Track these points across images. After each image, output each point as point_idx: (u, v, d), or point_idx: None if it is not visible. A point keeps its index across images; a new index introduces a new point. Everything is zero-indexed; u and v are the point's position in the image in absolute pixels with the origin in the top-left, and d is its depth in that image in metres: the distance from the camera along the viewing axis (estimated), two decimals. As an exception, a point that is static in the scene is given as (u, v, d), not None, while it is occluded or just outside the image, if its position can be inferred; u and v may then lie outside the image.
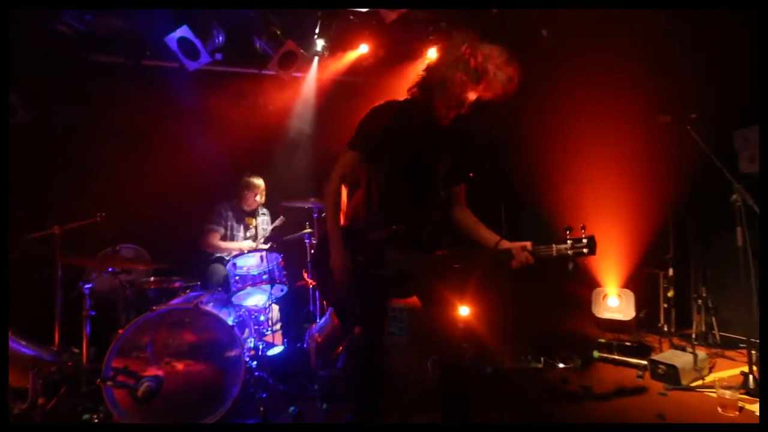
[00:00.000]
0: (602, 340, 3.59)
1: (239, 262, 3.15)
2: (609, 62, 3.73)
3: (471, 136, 1.95)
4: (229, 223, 3.64)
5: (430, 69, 1.78)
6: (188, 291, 3.10)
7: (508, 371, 3.31)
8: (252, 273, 3.12)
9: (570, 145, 3.95)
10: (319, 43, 4.03)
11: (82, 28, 3.59)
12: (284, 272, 3.26)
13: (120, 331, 2.49)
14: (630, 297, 3.66)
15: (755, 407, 2.57)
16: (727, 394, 2.54)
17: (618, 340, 3.52)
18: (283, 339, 3.41)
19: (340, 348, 3.17)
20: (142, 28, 3.78)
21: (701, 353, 3.15)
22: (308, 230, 3.58)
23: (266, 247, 3.42)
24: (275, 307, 3.44)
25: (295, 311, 3.74)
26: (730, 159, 3.52)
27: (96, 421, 2.40)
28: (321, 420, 2.58)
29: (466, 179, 1.97)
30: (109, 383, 2.18)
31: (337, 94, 4.58)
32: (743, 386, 2.70)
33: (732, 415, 2.50)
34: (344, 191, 1.95)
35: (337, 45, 4.18)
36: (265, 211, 3.90)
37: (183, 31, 3.50)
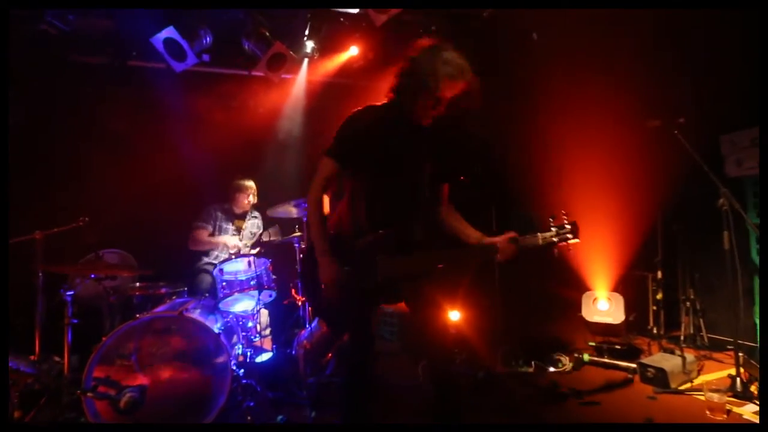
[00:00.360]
0: (592, 344, 3.61)
1: (226, 267, 3.09)
2: (599, 66, 3.75)
3: (452, 135, 1.95)
4: (218, 223, 3.61)
5: (405, 73, 1.79)
6: (174, 297, 3.04)
7: (500, 375, 3.30)
8: (240, 278, 3.07)
9: (560, 148, 3.96)
10: (309, 45, 4.00)
11: (65, 29, 3.52)
12: (273, 277, 3.21)
13: (103, 339, 2.43)
14: (619, 300, 3.68)
15: (742, 410, 2.59)
16: (715, 397, 2.55)
17: (608, 343, 3.53)
18: (273, 344, 3.36)
19: (330, 355, 3.13)
20: (128, 29, 3.71)
21: (690, 356, 3.17)
22: (297, 234, 3.54)
23: (254, 252, 3.37)
24: (265, 312, 3.39)
25: (285, 316, 3.70)
26: (718, 163, 3.55)
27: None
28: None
29: (450, 179, 1.96)
30: (89, 394, 2.12)
31: (327, 96, 4.55)
32: (731, 389, 2.73)
33: (720, 418, 2.52)
34: (326, 200, 1.92)
35: (327, 47, 4.15)
36: (256, 213, 3.85)
37: (169, 32, 3.45)
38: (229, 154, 4.08)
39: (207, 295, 3.22)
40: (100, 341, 2.42)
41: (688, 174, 3.22)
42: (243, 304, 3.20)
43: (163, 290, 3.05)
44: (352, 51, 4.21)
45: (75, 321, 2.65)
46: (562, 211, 1.78)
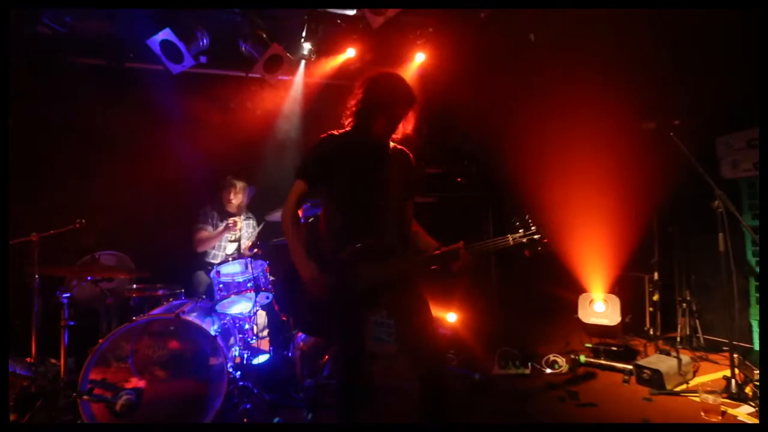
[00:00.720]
0: (589, 345, 3.61)
1: (223, 270, 3.10)
2: (596, 68, 3.75)
3: (407, 155, 2.12)
4: (214, 222, 3.62)
5: (361, 100, 1.97)
6: (171, 299, 3.04)
7: (496, 377, 3.31)
8: (237, 280, 3.07)
9: (556, 149, 3.97)
10: (306, 47, 4.00)
11: (63, 30, 3.51)
12: (270, 279, 3.22)
13: (99, 341, 2.43)
14: (616, 302, 3.68)
15: (737, 411, 2.60)
16: (710, 399, 2.56)
17: (604, 345, 3.54)
18: (270, 346, 3.36)
19: (326, 357, 3.14)
20: (125, 31, 3.71)
21: (685, 357, 3.18)
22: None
23: (251, 254, 3.37)
24: (262, 314, 3.39)
25: (281, 318, 3.69)
26: (713, 165, 3.56)
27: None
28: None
29: (414, 194, 2.13)
30: (85, 397, 2.12)
31: (324, 98, 4.54)
32: (726, 391, 2.74)
33: (715, 419, 2.53)
34: (300, 216, 2.06)
35: (323, 49, 4.15)
36: (250, 215, 3.85)
37: (165, 34, 3.44)
38: (227, 155, 4.07)
39: (204, 297, 3.23)
40: (96, 343, 2.43)
41: (684, 175, 3.23)
42: (240, 306, 3.21)
43: (160, 292, 3.05)
44: (349, 53, 4.21)
45: (71, 323, 2.65)
46: (527, 215, 1.93)
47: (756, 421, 2.49)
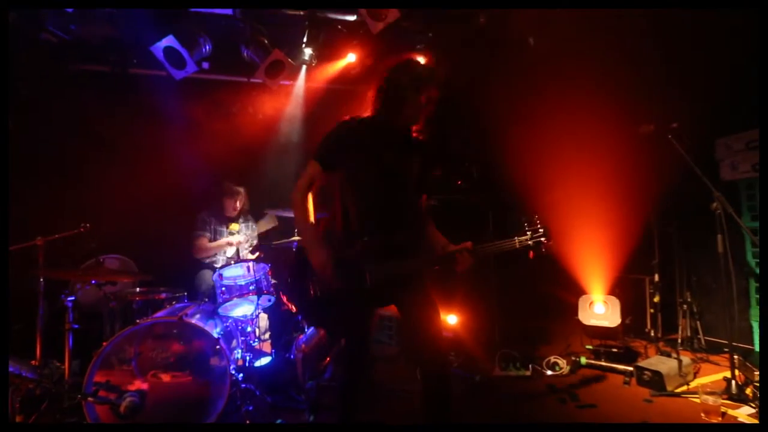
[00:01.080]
0: (589, 347, 3.62)
1: (226, 273, 3.13)
2: (594, 72, 3.78)
3: (431, 144, 2.05)
4: (213, 227, 3.66)
5: (384, 89, 1.89)
6: (174, 302, 3.07)
7: (496, 379, 3.32)
8: (239, 283, 3.10)
9: (556, 153, 3.99)
10: (307, 52, 4.05)
11: (67, 37, 3.57)
12: (272, 282, 3.24)
13: (104, 344, 2.46)
14: (616, 304, 3.69)
15: (737, 413, 2.61)
16: (710, 400, 2.57)
17: (605, 347, 3.54)
18: (272, 349, 3.38)
19: (328, 359, 3.16)
20: (128, 37, 3.76)
21: (686, 358, 3.18)
22: (297, 237, 3.57)
23: (253, 257, 3.40)
24: (264, 316, 3.41)
25: (284, 320, 3.72)
26: (712, 167, 3.58)
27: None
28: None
29: (430, 187, 2.07)
30: (90, 399, 2.14)
31: (325, 103, 4.59)
32: (726, 392, 2.74)
33: (715, 421, 2.53)
34: (311, 200, 1.98)
35: (324, 54, 4.20)
36: (249, 217, 3.88)
37: (169, 41, 3.50)
38: (229, 159, 4.12)
39: (206, 299, 3.25)
40: (100, 346, 2.45)
41: (683, 176, 3.24)
42: (242, 309, 3.23)
43: (163, 295, 3.08)
44: (350, 58, 4.25)
45: (76, 326, 2.68)
46: (536, 216, 1.89)
47: (756, 422, 2.49)
